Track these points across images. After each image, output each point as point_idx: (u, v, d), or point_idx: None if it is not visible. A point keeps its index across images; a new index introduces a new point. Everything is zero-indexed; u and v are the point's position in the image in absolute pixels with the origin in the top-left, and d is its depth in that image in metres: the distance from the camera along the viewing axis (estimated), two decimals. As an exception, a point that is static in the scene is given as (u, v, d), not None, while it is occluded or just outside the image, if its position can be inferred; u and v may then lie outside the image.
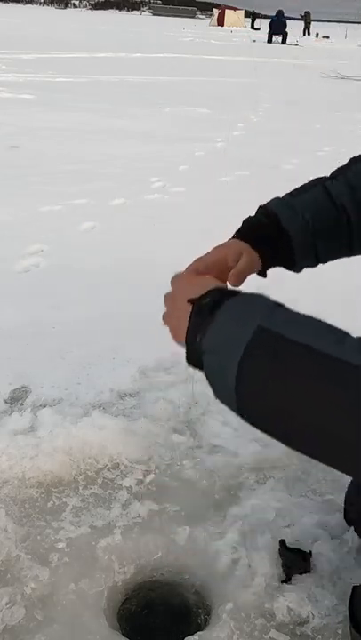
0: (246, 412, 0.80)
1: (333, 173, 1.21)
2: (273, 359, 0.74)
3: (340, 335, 0.75)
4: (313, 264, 1.16)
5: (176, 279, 1.00)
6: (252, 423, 0.82)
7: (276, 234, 1.09)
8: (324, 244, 1.13)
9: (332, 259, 1.17)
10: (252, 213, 1.15)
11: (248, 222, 1.12)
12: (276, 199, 1.16)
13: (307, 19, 41.80)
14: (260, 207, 1.14)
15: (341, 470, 0.75)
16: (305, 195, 1.16)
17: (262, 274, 1.12)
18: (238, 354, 0.76)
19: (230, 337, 0.78)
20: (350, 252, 1.18)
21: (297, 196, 1.16)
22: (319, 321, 0.78)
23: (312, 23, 42.89)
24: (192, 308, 0.86)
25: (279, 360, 0.74)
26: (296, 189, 1.18)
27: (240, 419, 0.82)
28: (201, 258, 1.04)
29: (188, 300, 0.87)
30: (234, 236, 1.12)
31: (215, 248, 1.08)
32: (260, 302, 0.82)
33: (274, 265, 1.12)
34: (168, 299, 0.98)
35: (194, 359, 0.86)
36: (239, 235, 1.11)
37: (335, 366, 0.70)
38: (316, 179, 1.20)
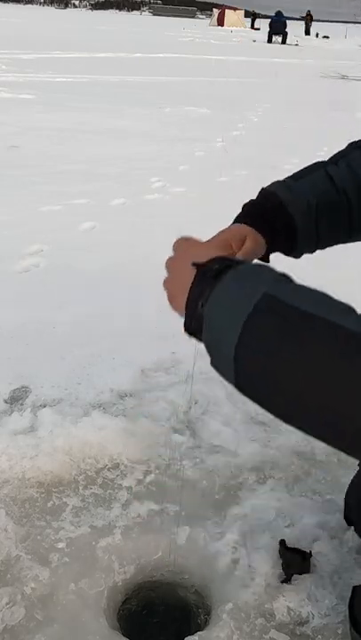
0: (244, 380, 0.77)
1: (334, 158, 1.20)
2: (278, 325, 0.72)
3: (346, 308, 0.73)
4: (312, 249, 1.15)
5: (181, 243, 0.96)
6: (249, 394, 0.78)
7: (279, 216, 1.07)
8: (326, 227, 1.12)
9: (331, 244, 1.17)
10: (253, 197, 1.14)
11: (250, 205, 1.10)
12: (278, 182, 1.14)
13: (308, 19, 41.85)
14: (262, 190, 1.13)
15: (339, 447, 0.72)
16: (307, 178, 1.15)
17: (265, 259, 1.10)
18: (242, 319, 0.73)
19: (235, 302, 0.76)
20: (349, 238, 1.18)
21: (299, 179, 1.15)
22: (326, 294, 0.76)
23: (312, 23, 42.93)
24: (196, 273, 0.83)
25: (284, 327, 0.71)
26: (297, 173, 1.17)
27: (237, 391, 0.79)
28: (205, 242, 1.01)
29: (193, 264, 0.84)
30: (235, 221, 1.10)
31: (219, 232, 1.06)
32: (268, 271, 0.80)
33: (276, 249, 1.10)
34: (169, 262, 0.94)
35: (193, 326, 0.83)
36: (242, 218, 1.09)
37: (341, 335, 0.68)
38: (316, 163, 1.19)
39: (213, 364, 0.81)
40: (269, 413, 0.77)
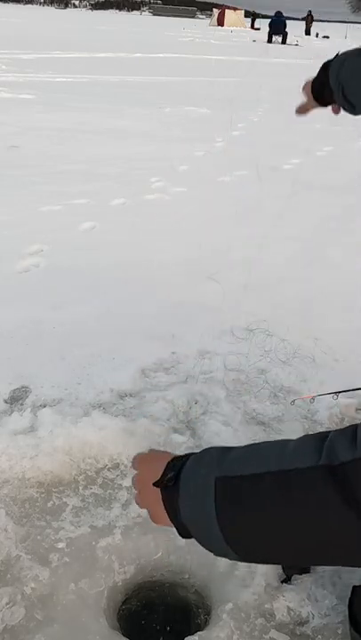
0: (250, 558, 0.84)
1: None
2: (240, 500, 0.77)
3: (280, 447, 0.78)
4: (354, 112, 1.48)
5: (135, 462, 0.99)
6: (256, 561, 0.86)
7: (326, 90, 1.53)
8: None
9: None
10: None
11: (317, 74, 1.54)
12: (338, 57, 1.48)
13: (308, 19, 41.87)
14: (323, 64, 1.51)
15: (345, 565, 0.77)
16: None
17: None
18: (213, 513, 0.78)
19: (199, 502, 0.80)
20: None
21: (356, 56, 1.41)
22: (259, 445, 0.81)
23: (313, 23, 42.93)
24: (160, 491, 0.87)
25: (245, 498, 0.77)
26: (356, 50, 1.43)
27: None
28: (155, 454, 1.01)
29: (154, 484, 0.88)
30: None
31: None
32: (209, 455, 0.84)
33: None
34: (137, 482, 0.97)
35: (185, 535, 0.87)
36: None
37: (291, 477, 0.73)
38: None
39: (216, 555, 0.86)
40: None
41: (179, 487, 0.84)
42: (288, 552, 0.77)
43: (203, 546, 0.85)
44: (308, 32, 40.64)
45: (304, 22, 42.68)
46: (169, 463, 0.89)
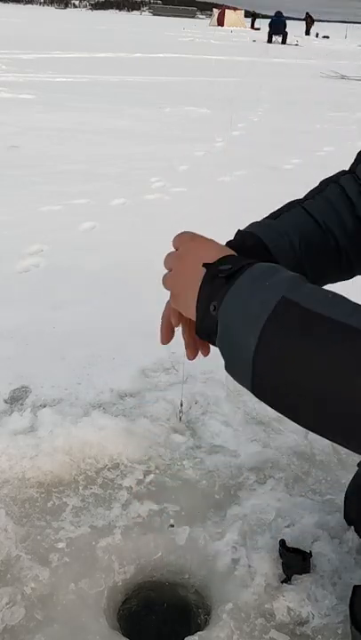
0: (261, 385, 0.76)
1: (308, 195, 1.15)
2: (296, 330, 0.71)
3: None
4: None
5: (184, 239, 0.91)
6: (266, 399, 0.77)
7: (260, 257, 0.95)
8: (313, 265, 1.06)
9: (320, 284, 1.08)
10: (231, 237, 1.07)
11: (230, 246, 1.01)
12: (255, 224, 1.07)
13: (308, 20, 41.91)
14: (239, 231, 1.07)
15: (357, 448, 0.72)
16: (285, 216, 1.09)
17: None
18: (260, 323, 0.72)
19: (252, 306, 0.74)
20: (339, 277, 1.12)
21: (277, 218, 1.09)
22: (341, 296, 0.75)
23: (313, 23, 42.98)
24: (206, 273, 0.80)
25: (303, 331, 0.71)
26: (273, 213, 1.11)
27: (252, 395, 0.78)
28: (208, 239, 0.93)
29: (205, 265, 0.81)
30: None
31: None
32: (283, 273, 0.78)
33: None
34: (174, 259, 0.89)
35: (205, 329, 0.80)
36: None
37: (358, 338, 0.68)
38: (291, 202, 1.14)
39: (228, 368, 0.79)
40: (287, 418, 0.77)
41: (235, 281, 0.77)
42: (310, 407, 0.70)
43: (221, 351, 0.78)
44: (307, 32, 40.62)
45: (304, 22, 42.66)
46: (228, 256, 0.82)
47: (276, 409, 0.77)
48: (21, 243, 3.07)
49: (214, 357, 2.24)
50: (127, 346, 2.17)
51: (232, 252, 0.86)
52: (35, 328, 2.28)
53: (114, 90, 9.30)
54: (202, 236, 0.91)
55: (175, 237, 0.94)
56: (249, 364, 0.74)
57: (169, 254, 0.92)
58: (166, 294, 0.94)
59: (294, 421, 0.76)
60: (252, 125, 7.10)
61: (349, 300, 0.74)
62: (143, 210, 3.80)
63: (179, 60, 15.02)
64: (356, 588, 1.19)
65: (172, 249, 0.95)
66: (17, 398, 1.88)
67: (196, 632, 1.20)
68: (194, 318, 0.83)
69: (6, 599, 1.22)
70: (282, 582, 1.27)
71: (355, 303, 0.73)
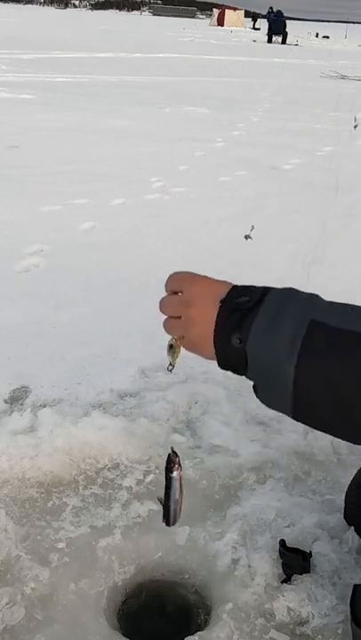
0: (303, 407, 0.76)
1: None
2: (331, 351, 0.72)
3: None
4: None
5: (185, 282, 0.87)
6: (308, 419, 0.78)
7: None
8: None
9: None
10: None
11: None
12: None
13: (269, 18, 30.75)
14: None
15: None
16: None
17: None
18: (295, 349, 0.73)
19: (282, 333, 0.74)
20: None
21: None
22: (356, 306, 0.76)
23: (309, 23, 41.30)
24: (222, 308, 0.79)
25: (338, 350, 0.72)
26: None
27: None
28: (203, 276, 0.89)
29: (223, 301, 0.80)
30: None
31: None
32: (300, 294, 0.79)
33: None
34: (180, 306, 0.86)
35: (231, 362, 0.80)
36: None
37: None
38: None
39: (262, 395, 0.79)
40: (332, 436, 0.78)
41: (260, 311, 0.77)
42: (353, 416, 0.72)
43: (255, 381, 0.78)
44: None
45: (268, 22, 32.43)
46: (238, 287, 0.82)
47: (320, 429, 0.78)
48: (21, 243, 3.07)
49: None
50: (127, 346, 2.17)
51: (233, 284, 0.85)
52: (35, 328, 2.28)
53: (114, 90, 9.29)
54: (201, 276, 0.88)
55: (171, 280, 0.89)
56: (288, 390, 0.74)
57: (169, 300, 0.89)
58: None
59: (342, 438, 0.78)
60: (252, 125, 7.10)
61: None
62: (143, 210, 3.80)
63: (179, 60, 15.02)
64: (356, 586, 1.19)
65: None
66: (17, 398, 1.88)
67: (196, 632, 1.20)
68: (212, 358, 0.82)
69: (6, 599, 1.22)
70: (282, 582, 1.27)
71: None
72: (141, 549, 1.37)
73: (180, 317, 0.87)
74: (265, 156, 5.33)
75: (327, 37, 40.87)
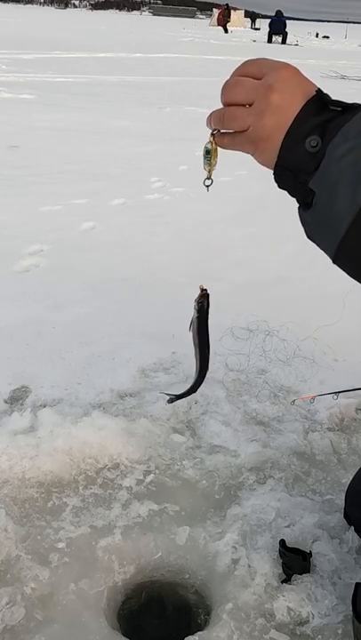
0: (352, 245, 0.68)
1: None
2: None
3: None
4: None
5: (271, 65, 0.75)
6: (351, 262, 0.71)
7: None
8: None
9: None
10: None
11: None
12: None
13: (227, 15, 30.84)
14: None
15: None
16: None
17: None
18: None
19: None
20: None
21: None
22: None
23: (309, 23, 41.90)
24: (313, 100, 0.70)
25: None
26: None
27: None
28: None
29: (316, 91, 0.70)
30: None
31: None
32: None
33: None
34: (257, 90, 0.73)
35: (298, 162, 0.69)
36: None
37: None
38: None
39: (311, 217, 0.70)
40: None
41: (350, 119, 0.67)
42: None
43: (322, 190, 0.67)
44: (225, 30, 32.38)
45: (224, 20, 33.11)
46: (323, 92, 0.71)
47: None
48: (21, 243, 3.07)
49: (214, 358, 2.24)
50: (127, 346, 2.17)
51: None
52: (35, 328, 2.28)
53: (114, 90, 9.29)
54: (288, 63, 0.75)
55: (248, 64, 0.78)
56: (352, 212, 0.66)
57: (243, 82, 0.76)
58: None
59: None
60: (252, 125, 7.10)
61: None
62: (143, 210, 3.80)
63: (179, 60, 15.01)
64: (358, 585, 1.19)
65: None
66: (17, 398, 1.88)
67: (196, 632, 1.20)
68: (266, 159, 0.72)
69: (6, 599, 1.22)
70: (282, 582, 1.27)
71: None
72: (141, 549, 1.37)
73: (245, 106, 0.75)
74: (265, 156, 5.33)
75: (327, 37, 40.84)
